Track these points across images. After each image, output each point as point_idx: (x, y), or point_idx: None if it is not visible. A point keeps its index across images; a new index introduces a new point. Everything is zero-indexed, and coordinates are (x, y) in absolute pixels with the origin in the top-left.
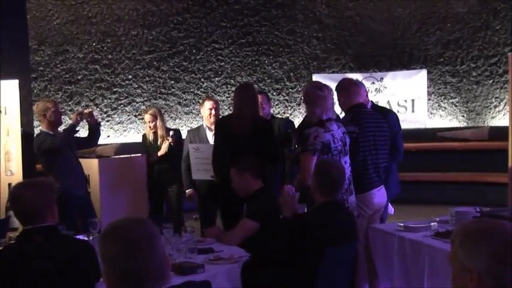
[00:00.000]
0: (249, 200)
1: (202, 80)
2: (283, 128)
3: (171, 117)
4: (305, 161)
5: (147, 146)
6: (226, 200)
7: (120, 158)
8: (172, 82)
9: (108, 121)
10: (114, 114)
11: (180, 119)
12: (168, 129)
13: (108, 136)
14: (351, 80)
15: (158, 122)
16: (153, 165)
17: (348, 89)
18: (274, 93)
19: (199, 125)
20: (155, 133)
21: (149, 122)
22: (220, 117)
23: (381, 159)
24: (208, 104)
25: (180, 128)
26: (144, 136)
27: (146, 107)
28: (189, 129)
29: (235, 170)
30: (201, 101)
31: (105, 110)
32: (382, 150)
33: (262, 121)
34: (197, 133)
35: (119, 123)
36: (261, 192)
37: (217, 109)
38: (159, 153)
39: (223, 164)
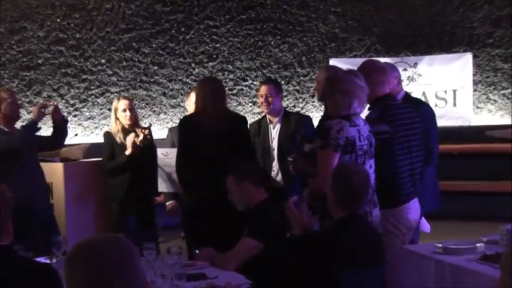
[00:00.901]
0: (250, 214)
1: (193, 65)
2: (305, 126)
3: (153, 112)
4: (324, 159)
5: (113, 146)
6: (215, 215)
7: (91, 162)
8: (156, 68)
9: (75, 116)
10: (83, 107)
11: (165, 113)
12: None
13: (76, 135)
14: (375, 62)
15: (133, 114)
16: (118, 171)
17: (371, 74)
18: (283, 82)
19: None
20: (124, 130)
21: (127, 109)
22: (185, 115)
23: (416, 164)
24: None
25: (165, 126)
26: (109, 135)
27: None
28: (173, 126)
29: (233, 178)
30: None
31: (71, 102)
32: (417, 154)
33: (236, 116)
34: None
35: (89, 118)
36: (266, 204)
37: None
38: (128, 152)
39: (192, 173)
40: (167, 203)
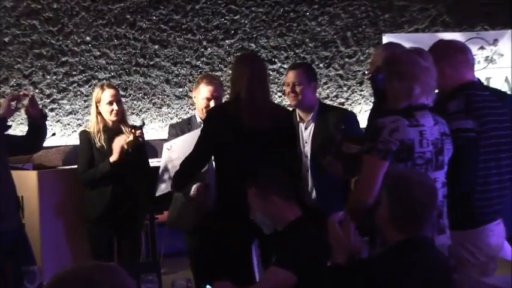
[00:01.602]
0: (279, 238)
1: (205, 43)
2: (349, 126)
3: (153, 104)
4: (368, 167)
5: (92, 150)
6: (236, 237)
7: (72, 169)
8: (156, 47)
9: (53, 110)
10: (62, 98)
11: (169, 106)
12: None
13: (54, 134)
14: (453, 41)
15: (120, 108)
16: (98, 182)
17: (448, 56)
18: (322, 66)
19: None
20: (107, 129)
21: (113, 102)
22: (216, 105)
23: (505, 175)
24: (205, 90)
25: (168, 122)
26: (86, 135)
27: None
28: (176, 122)
29: (256, 192)
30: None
31: (47, 92)
32: (506, 160)
33: (285, 112)
34: (187, 128)
35: (70, 113)
36: (300, 224)
37: (220, 98)
38: (113, 158)
39: (228, 183)
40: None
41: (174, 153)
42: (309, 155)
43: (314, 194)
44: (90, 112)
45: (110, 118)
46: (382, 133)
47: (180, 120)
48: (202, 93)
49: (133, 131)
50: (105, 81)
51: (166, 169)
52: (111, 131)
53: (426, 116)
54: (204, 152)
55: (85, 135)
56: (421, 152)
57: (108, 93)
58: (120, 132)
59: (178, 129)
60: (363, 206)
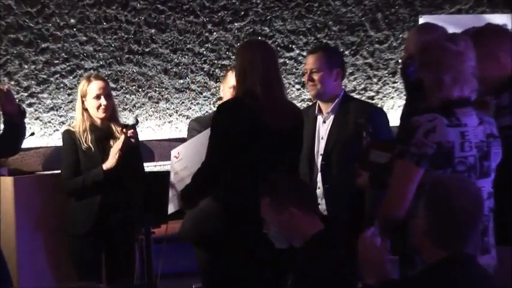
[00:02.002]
0: (297, 256)
1: (210, 27)
2: (375, 124)
3: (149, 98)
4: (400, 173)
5: (77, 153)
6: (247, 255)
7: (54, 175)
8: (153, 31)
9: (31, 105)
10: (42, 92)
11: (167, 100)
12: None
13: (32, 134)
14: (500, 27)
15: (110, 103)
16: (86, 192)
17: (504, 41)
18: (347, 53)
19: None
20: (95, 128)
21: (101, 96)
22: (228, 99)
23: None
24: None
25: (166, 120)
26: (70, 135)
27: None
28: (196, 117)
29: (271, 202)
30: (207, 67)
31: (25, 84)
32: None
33: (298, 110)
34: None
35: (51, 109)
36: (322, 239)
37: None
38: (108, 165)
39: (240, 187)
40: None
41: (182, 162)
42: (322, 153)
43: (322, 198)
44: (75, 108)
45: (97, 115)
46: (416, 134)
47: (206, 113)
48: (230, 83)
49: (124, 130)
50: (92, 71)
51: (174, 183)
52: (100, 131)
53: (469, 113)
54: (220, 157)
55: (69, 136)
56: (463, 156)
57: (95, 86)
58: (110, 132)
59: (201, 126)
60: (393, 219)
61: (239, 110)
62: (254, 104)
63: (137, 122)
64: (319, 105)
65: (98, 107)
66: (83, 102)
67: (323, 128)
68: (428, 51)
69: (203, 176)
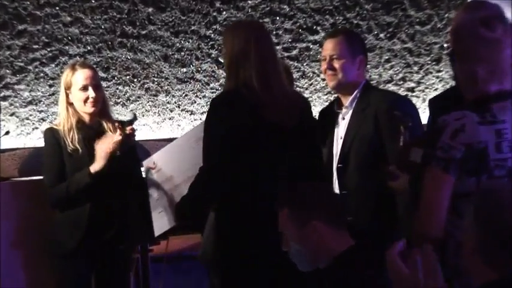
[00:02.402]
0: (322, 277)
1: (218, 5)
2: (399, 117)
3: (146, 90)
4: (428, 184)
5: (62, 155)
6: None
7: (33, 181)
8: (150, 11)
9: (5, 99)
10: (19, 83)
11: (168, 93)
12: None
13: (7, 133)
14: None
15: (100, 95)
16: (73, 201)
17: None
18: (382, 36)
19: None
20: (82, 125)
21: (89, 87)
22: (222, 92)
23: None
24: None
25: (167, 115)
26: (53, 134)
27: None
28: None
29: (290, 215)
30: (214, 53)
31: None
32: None
33: (304, 102)
34: None
35: (29, 103)
36: (351, 258)
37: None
38: (96, 167)
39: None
40: None
41: (162, 173)
42: (338, 154)
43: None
44: (58, 102)
45: (84, 110)
46: (442, 136)
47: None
48: None
49: (120, 126)
50: (78, 58)
51: (157, 198)
52: (88, 129)
53: (509, 108)
54: (226, 157)
55: (52, 135)
56: (500, 159)
57: (81, 75)
58: (101, 130)
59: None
60: (427, 238)
61: (237, 103)
62: (252, 97)
63: (135, 118)
64: (339, 99)
65: (85, 100)
66: (67, 95)
67: (341, 125)
68: (458, 37)
69: (203, 182)
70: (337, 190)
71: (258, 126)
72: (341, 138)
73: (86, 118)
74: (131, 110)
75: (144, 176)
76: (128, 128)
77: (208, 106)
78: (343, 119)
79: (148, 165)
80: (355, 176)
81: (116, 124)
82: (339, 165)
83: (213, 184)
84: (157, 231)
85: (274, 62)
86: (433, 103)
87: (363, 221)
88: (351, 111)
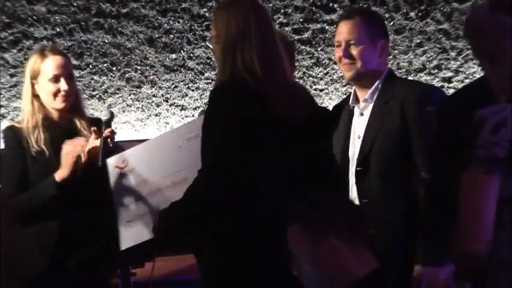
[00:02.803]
0: None
1: None
2: (431, 112)
3: (128, 80)
4: (469, 190)
5: (25, 159)
6: None
7: None
8: None
9: None
10: None
11: (154, 84)
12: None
13: None
14: None
15: (72, 87)
16: (35, 215)
17: None
18: (412, 15)
19: None
20: (50, 123)
21: (60, 77)
22: (225, 79)
23: None
24: None
25: (151, 112)
26: (14, 133)
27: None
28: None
29: (304, 231)
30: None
31: None
32: None
33: (310, 97)
34: None
35: None
36: (374, 282)
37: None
38: (61, 175)
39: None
40: None
41: (135, 174)
42: (356, 155)
43: None
44: (22, 95)
45: (54, 105)
46: (481, 132)
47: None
48: None
49: (95, 129)
50: (45, 42)
51: (125, 204)
52: (57, 127)
53: None
54: (234, 158)
55: (13, 134)
56: None
57: (52, 63)
58: (72, 129)
59: None
60: (470, 255)
61: (244, 94)
62: (258, 85)
63: (112, 116)
64: (355, 92)
65: (56, 94)
66: (33, 85)
67: (359, 122)
68: (482, 27)
69: (206, 187)
70: (355, 199)
71: (266, 120)
72: (359, 137)
73: (55, 114)
74: (109, 106)
75: (109, 177)
76: (106, 131)
77: (210, 98)
78: (362, 114)
79: (116, 163)
80: (377, 182)
81: (92, 127)
82: (357, 169)
83: (217, 189)
84: (125, 244)
85: (276, 46)
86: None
87: (387, 237)
88: (371, 106)
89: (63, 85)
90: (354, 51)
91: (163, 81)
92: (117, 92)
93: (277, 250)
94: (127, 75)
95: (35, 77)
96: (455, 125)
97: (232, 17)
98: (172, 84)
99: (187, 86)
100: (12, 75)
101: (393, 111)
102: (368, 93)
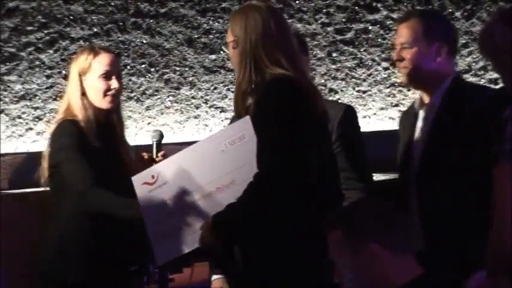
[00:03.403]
0: None
1: None
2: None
3: (166, 82)
4: (502, 184)
5: (90, 151)
6: None
7: (24, 194)
8: None
9: None
10: (9, 73)
11: (193, 85)
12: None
13: None
14: None
15: (120, 87)
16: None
17: None
18: (458, 15)
19: None
20: (99, 122)
21: (112, 74)
22: (280, 75)
23: None
24: None
25: (193, 112)
26: (75, 125)
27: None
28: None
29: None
30: None
31: None
32: None
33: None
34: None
35: (22, 97)
36: None
37: None
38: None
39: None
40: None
41: (168, 187)
42: (417, 167)
43: (420, 229)
44: (69, 93)
45: (101, 104)
46: (507, 127)
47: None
48: None
49: (145, 155)
50: (82, 42)
51: (159, 218)
52: (102, 127)
53: None
54: (300, 154)
55: (75, 127)
56: None
57: (104, 59)
58: (109, 124)
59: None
60: (506, 256)
61: (300, 91)
62: (307, 84)
63: (162, 137)
64: (420, 96)
65: (106, 92)
66: (81, 82)
67: (424, 127)
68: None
69: (276, 187)
70: (416, 208)
71: (314, 118)
72: (422, 143)
73: (99, 114)
74: (156, 130)
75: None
76: (160, 154)
77: (266, 92)
78: (426, 118)
79: (144, 180)
80: (441, 193)
81: (143, 153)
82: (419, 178)
83: (285, 188)
84: (161, 260)
85: (295, 46)
86: None
87: (447, 247)
88: (435, 110)
89: (114, 83)
90: (406, 54)
91: (203, 82)
92: (156, 93)
93: (320, 257)
94: (165, 76)
95: (84, 72)
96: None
97: (251, 21)
98: (212, 85)
99: (227, 87)
100: (48, 77)
101: (462, 117)
102: (432, 97)
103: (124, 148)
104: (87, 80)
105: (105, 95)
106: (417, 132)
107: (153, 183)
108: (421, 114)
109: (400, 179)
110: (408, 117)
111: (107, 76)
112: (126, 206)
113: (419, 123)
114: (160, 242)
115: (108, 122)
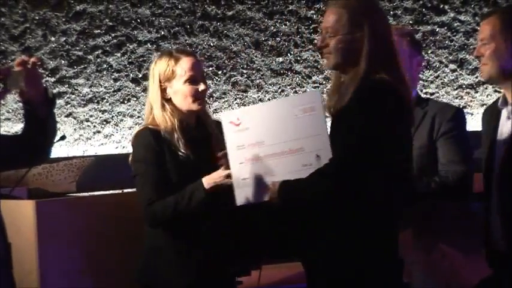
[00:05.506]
0: None
1: None
2: None
3: (234, 84)
4: None
5: (169, 162)
6: None
7: (94, 197)
8: None
9: (60, 95)
10: (76, 76)
11: (260, 87)
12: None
13: (63, 138)
14: None
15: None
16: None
17: None
18: None
19: None
20: (182, 127)
21: (197, 78)
22: (379, 80)
23: None
24: None
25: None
26: (154, 135)
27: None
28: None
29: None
30: (317, 38)
31: (52, 64)
32: None
33: None
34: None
35: (89, 101)
36: None
37: None
38: (211, 182)
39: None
40: None
41: (249, 133)
42: (498, 168)
43: (499, 230)
44: (150, 101)
45: (191, 107)
46: None
47: None
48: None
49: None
50: (149, 45)
51: (241, 160)
52: (192, 130)
53: None
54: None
55: (152, 137)
56: None
57: (187, 64)
58: (206, 131)
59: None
60: None
61: (400, 98)
62: (400, 84)
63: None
64: (504, 94)
65: (194, 95)
66: (163, 89)
67: (507, 126)
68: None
69: (348, 173)
70: (497, 208)
71: (404, 119)
72: (505, 141)
73: (188, 116)
74: (214, 111)
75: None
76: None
77: (368, 93)
78: (509, 118)
79: (229, 119)
80: None
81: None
82: (500, 178)
83: (355, 178)
84: (240, 201)
85: (393, 42)
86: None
87: None
88: None
89: (200, 86)
90: (484, 50)
91: (270, 85)
92: (223, 96)
93: (391, 256)
94: (233, 79)
95: (168, 79)
96: None
97: (370, 12)
98: (279, 88)
99: (294, 90)
100: (116, 80)
101: None
102: None
103: (219, 146)
104: (173, 86)
105: (194, 98)
106: (500, 133)
107: (238, 124)
108: (504, 113)
109: (483, 179)
110: (491, 115)
111: (192, 81)
112: (193, 189)
113: (502, 125)
114: (240, 186)
115: (200, 123)
